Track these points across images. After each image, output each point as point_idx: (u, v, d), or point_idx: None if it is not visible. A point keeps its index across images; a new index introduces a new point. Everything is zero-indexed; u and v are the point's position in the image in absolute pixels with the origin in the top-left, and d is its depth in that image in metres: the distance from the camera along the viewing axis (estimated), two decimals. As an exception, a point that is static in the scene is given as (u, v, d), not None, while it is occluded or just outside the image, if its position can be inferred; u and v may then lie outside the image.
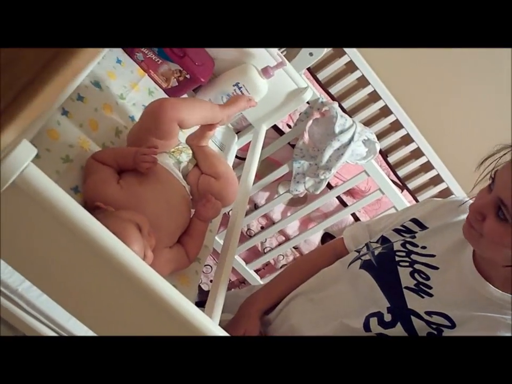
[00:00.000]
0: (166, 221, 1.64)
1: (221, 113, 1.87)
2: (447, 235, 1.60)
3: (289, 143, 2.74)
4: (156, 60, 2.08)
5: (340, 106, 3.47)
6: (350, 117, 2.44)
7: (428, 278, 1.54)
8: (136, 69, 2.11)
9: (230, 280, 2.82)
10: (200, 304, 1.94)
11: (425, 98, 3.59)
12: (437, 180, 3.76)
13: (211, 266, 3.24)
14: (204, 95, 2.28)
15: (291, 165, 2.60)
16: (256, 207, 3.01)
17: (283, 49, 2.98)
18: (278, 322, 1.81)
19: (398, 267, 1.59)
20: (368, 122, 3.75)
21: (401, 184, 3.75)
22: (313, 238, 3.12)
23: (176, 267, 1.71)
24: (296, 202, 3.03)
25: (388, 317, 1.51)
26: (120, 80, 2.00)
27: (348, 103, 3.75)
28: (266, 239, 3.14)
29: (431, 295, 1.50)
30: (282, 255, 3.18)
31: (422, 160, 3.74)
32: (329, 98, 3.57)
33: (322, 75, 3.67)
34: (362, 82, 3.65)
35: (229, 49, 2.20)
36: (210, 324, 1.14)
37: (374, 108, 3.70)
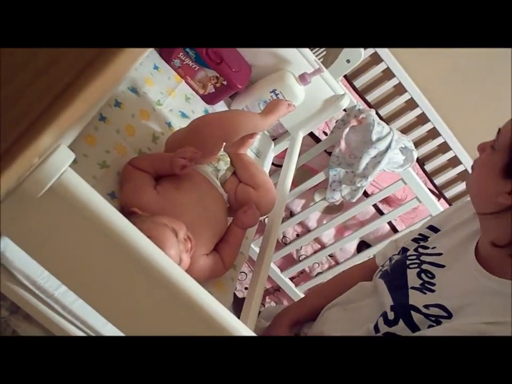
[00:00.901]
0: (203, 228, 1.63)
1: (262, 122, 1.86)
2: (456, 234, 1.62)
3: (325, 150, 2.73)
4: (193, 66, 2.08)
5: (377, 113, 3.44)
6: (387, 124, 2.42)
7: (433, 277, 1.55)
8: (173, 75, 2.11)
9: (265, 287, 2.82)
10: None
11: (463, 106, 3.55)
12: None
13: (246, 274, 3.23)
14: (240, 102, 2.28)
15: (327, 173, 2.58)
16: (291, 214, 3.00)
17: (320, 56, 2.97)
18: (312, 331, 1.81)
19: (408, 269, 1.62)
20: (405, 130, 3.71)
21: (438, 192, 3.71)
22: (349, 246, 3.10)
23: (212, 274, 1.71)
24: (332, 210, 3.01)
25: (391, 315, 1.53)
26: (157, 86, 2.01)
27: (384, 111, 3.72)
28: (301, 247, 3.12)
29: (433, 291, 1.51)
30: (318, 263, 3.16)
31: (460, 169, 3.70)
32: (365, 106, 3.55)
33: (359, 82, 3.66)
34: (399, 89, 3.62)
35: (266, 56, 2.20)
36: (244, 331, 1.13)
37: (411, 115, 3.67)
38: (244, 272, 3.21)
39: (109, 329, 1.38)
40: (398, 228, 3.01)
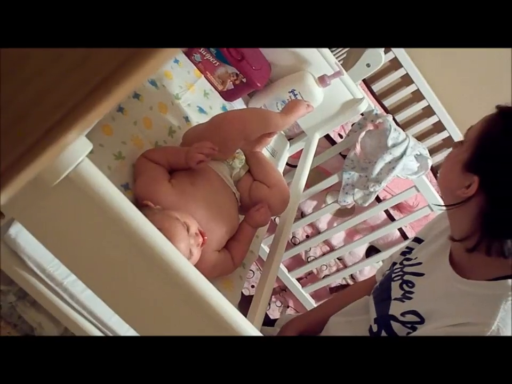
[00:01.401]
0: (215, 224, 1.63)
1: (282, 121, 1.85)
2: (435, 243, 1.65)
3: (340, 153, 2.72)
4: (213, 62, 2.08)
5: (393, 119, 3.43)
6: (403, 130, 2.41)
7: (413, 286, 1.59)
8: (193, 70, 2.11)
9: (272, 287, 2.81)
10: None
11: (481, 115, 3.53)
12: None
13: (253, 272, 3.23)
14: (259, 100, 2.28)
15: (341, 176, 2.57)
16: (302, 215, 2.99)
17: (341, 58, 2.96)
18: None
19: (392, 282, 1.66)
20: (420, 137, 3.70)
21: (451, 202, 3.69)
22: (358, 251, 3.09)
23: (222, 271, 1.71)
24: (344, 213, 3.00)
25: (375, 327, 1.58)
26: (177, 80, 2.01)
27: (401, 117, 3.71)
28: (310, 248, 3.11)
29: (410, 298, 1.55)
30: (326, 265, 3.16)
31: None
32: (382, 111, 3.54)
33: (377, 87, 3.64)
34: (417, 96, 3.61)
35: (286, 55, 2.20)
36: (250, 328, 1.13)
37: (428, 122, 3.66)
38: (251, 270, 3.21)
39: (115, 321, 1.38)
40: (408, 234, 3.00)
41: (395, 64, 3.52)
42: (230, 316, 1.09)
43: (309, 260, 3.12)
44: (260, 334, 1.18)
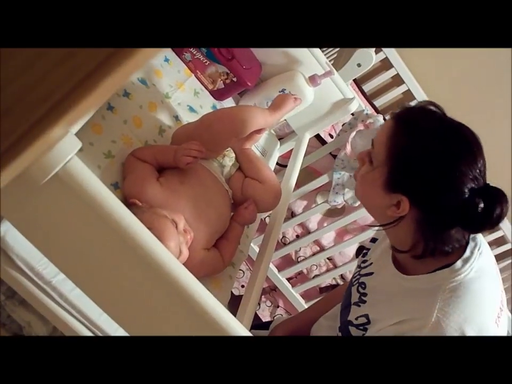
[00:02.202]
0: (204, 222, 1.62)
1: (271, 117, 1.85)
2: (385, 240, 1.67)
3: (330, 153, 2.72)
4: (204, 61, 2.07)
5: (384, 119, 3.43)
6: (394, 131, 2.41)
7: (365, 286, 1.61)
8: (183, 69, 2.10)
9: (261, 286, 2.81)
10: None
11: (473, 115, 3.52)
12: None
13: (243, 272, 3.22)
14: (249, 99, 2.27)
15: (331, 175, 2.58)
16: (293, 215, 2.99)
17: (331, 58, 2.96)
18: None
19: (352, 287, 1.68)
20: (411, 137, 3.69)
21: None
22: (348, 251, 3.10)
23: (211, 270, 1.70)
24: (334, 213, 3.01)
25: (339, 335, 1.62)
26: (167, 79, 2.00)
27: (391, 117, 3.70)
28: (300, 248, 3.11)
29: (365, 302, 1.57)
30: (316, 265, 3.16)
31: (498, 234, 3.65)
32: (373, 111, 3.54)
33: (368, 87, 3.64)
34: (408, 96, 3.60)
35: (277, 55, 2.19)
36: (239, 328, 1.13)
37: (419, 123, 3.66)
38: (241, 270, 3.21)
39: (104, 320, 1.38)
40: (399, 235, 3.00)
41: (386, 64, 3.52)
42: (219, 316, 1.09)
43: (299, 259, 3.12)
44: (249, 334, 1.17)
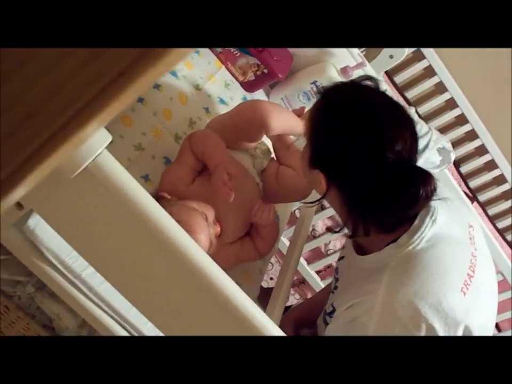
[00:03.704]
0: (234, 214, 1.61)
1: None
2: None
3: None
4: (234, 53, 2.06)
5: (416, 111, 3.40)
6: (426, 123, 2.38)
7: (338, 272, 1.60)
8: (213, 60, 2.09)
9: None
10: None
11: (504, 108, 3.48)
12: (509, 194, 3.64)
13: (272, 264, 3.21)
14: (280, 91, 2.26)
15: (361, 169, 2.55)
16: (323, 207, 2.97)
17: (363, 49, 2.93)
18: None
19: (335, 276, 1.65)
20: (442, 130, 3.65)
21: (472, 195, 3.66)
22: (378, 244, 3.08)
23: (242, 260, 1.69)
24: (364, 206, 2.98)
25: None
26: (197, 70, 1.99)
27: (423, 109, 3.66)
28: (330, 241, 3.10)
29: (337, 288, 1.55)
30: (346, 258, 3.14)
31: (496, 173, 3.63)
32: (405, 103, 3.50)
33: (400, 78, 3.60)
34: (440, 88, 3.55)
35: (309, 47, 2.17)
36: (268, 323, 1.11)
37: (451, 115, 3.60)
38: (270, 263, 3.20)
39: (134, 314, 1.38)
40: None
41: (418, 55, 3.48)
42: (249, 311, 1.08)
43: (328, 252, 3.11)
44: (279, 331, 1.16)
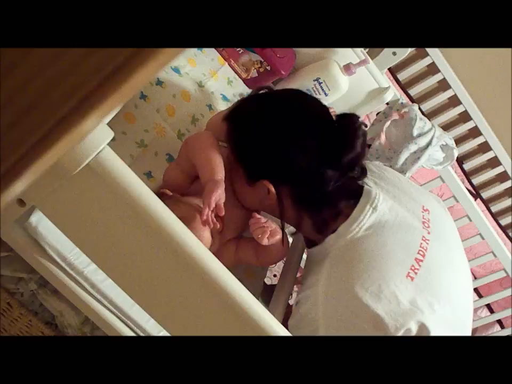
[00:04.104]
0: (234, 212, 1.61)
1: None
2: None
3: (365, 142, 2.69)
4: (238, 50, 2.06)
5: (419, 108, 3.40)
6: (429, 120, 2.37)
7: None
8: (216, 57, 2.08)
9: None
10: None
11: (507, 105, 3.48)
12: (512, 191, 3.64)
13: (275, 261, 3.21)
14: (283, 88, 2.25)
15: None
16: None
17: (366, 46, 2.93)
18: None
19: None
20: (446, 127, 3.65)
21: (475, 192, 3.65)
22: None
23: (241, 261, 1.67)
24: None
25: None
26: (200, 67, 1.99)
27: (427, 106, 3.66)
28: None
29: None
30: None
31: (499, 170, 3.63)
32: (408, 100, 3.49)
33: (403, 75, 3.60)
34: (443, 85, 3.55)
35: (312, 43, 2.17)
36: (271, 320, 1.12)
37: (454, 112, 3.60)
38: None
39: (136, 311, 1.38)
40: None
41: (421, 52, 3.48)
42: (252, 308, 1.08)
43: (331, 249, 3.10)
44: (283, 329, 1.16)
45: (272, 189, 1.40)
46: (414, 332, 1.27)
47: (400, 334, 1.25)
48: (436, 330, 1.29)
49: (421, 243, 1.38)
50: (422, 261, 1.34)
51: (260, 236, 1.45)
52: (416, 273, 1.32)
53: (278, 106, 1.45)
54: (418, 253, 1.35)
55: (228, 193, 1.56)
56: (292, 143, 1.37)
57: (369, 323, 1.26)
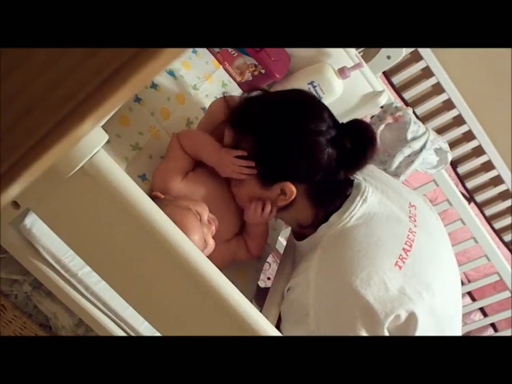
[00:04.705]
0: (227, 212, 1.62)
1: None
2: None
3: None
4: (232, 53, 2.06)
5: (413, 112, 3.40)
6: (423, 123, 2.38)
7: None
8: (211, 60, 2.09)
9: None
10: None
11: (501, 109, 3.49)
12: (506, 194, 3.65)
13: (269, 264, 3.21)
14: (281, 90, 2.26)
15: (359, 168, 2.55)
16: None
17: (360, 50, 2.94)
18: None
19: None
20: (440, 131, 3.65)
21: (469, 196, 3.66)
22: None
23: (236, 259, 1.69)
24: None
25: None
26: (195, 70, 1.99)
27: (421, 110, 3.67)
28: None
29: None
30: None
31: (493, 174, 3.64)
32: (402, 104, 3.50)
33: (397, 79, 3.60)
34: (437, 89, 3.56)
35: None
36: (265, 323, 1.12)
37: (448, 116, 3.61)
38: (267, 262, 3.19)
39: (130, 313, 1.38)
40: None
41: (416, 56, 3.48)
42: (246, 311, 1.08)
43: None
44: (276, 331, 1.16)
45: (294, 189, 1.42)
46: (402, 319, 1.30)
47: (389, 320, 1.28)
48: (425, 320, 1.32)
49: (408, 235, 1.42)
50: (409, 251, 1.38)
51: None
52: (404, 262, 1.35)
53: (296, 107, 1.46)
54: (405, 244, 1.39)
55: (224, 196, 1.57)
56: (317, 144, 1.40)
57: (359, 309, 1.29)
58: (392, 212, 1.46)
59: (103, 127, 0.95)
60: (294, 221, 1.56)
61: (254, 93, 1.54)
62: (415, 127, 2.29)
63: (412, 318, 1.30)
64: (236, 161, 1.48)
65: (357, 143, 1.43)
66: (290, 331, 1.41)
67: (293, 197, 1.43)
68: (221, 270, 1.09)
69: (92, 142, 0.90)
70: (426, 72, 3.52)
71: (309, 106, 1.47)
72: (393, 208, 1.47)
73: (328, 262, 1.35)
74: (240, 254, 1.69)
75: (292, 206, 1.47)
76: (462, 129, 3.59)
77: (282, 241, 2.84)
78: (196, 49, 2.03)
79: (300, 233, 1.56)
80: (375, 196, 1.47)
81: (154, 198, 1.49)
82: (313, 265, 1.35)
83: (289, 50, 2.19)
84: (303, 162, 1.41)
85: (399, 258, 1.35)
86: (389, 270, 1.32)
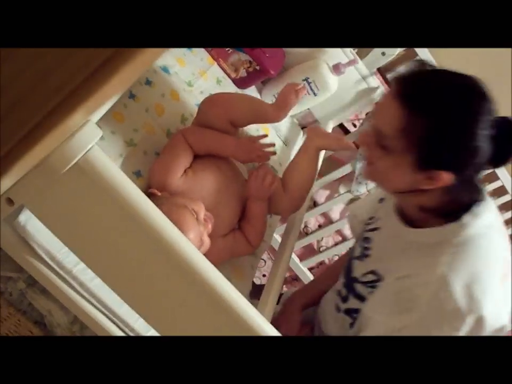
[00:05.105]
0: (223, 209, 1.62)
1: (273, 113, 1.79)
2: (389, 200, 1.66)
3: (354, 142, 2.70)
4: (227, 49, 2.06)
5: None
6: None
7: (370, 241, 1.61)
8: (206, 57, 2.09)
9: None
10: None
11: (502, 110, 3.47)
12: (509, 205, 3.61)
13: (265, 261, 3.21)
14: (272, 88, 2.25)
15: (354, 165, 2.56)
16: (315, 204, 2.97)
17: (355, 46, 2.94)
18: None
19: (356, 244, 1.70)
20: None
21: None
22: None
23: (235, 253, 1.71)
24: (357, 203, 2.99)
25: (343, 292, 1.60)
26: (189, 67, 1.99)
27: (416, 106, 3.66)
28: (322, 238, 3.11)
29: (368, 256, 1.57)
30: (338, 255, 3.14)
31: (497, 184, 3.59)
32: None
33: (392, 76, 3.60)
34: (433, 85, 3.56)
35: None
36: (260, 319, 1.12)
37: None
38: (263, 259, 3.20)
39: (125, 310, 1.38)
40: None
41: (411, 53, 3.48)
42: (241, 308, 1.08)
43: (321, 249, 3.12)
44: (272, 328, 1.16)
45: (446, 179, 1.34)
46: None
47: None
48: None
49: (508, 254, 1.42)
50: (509, 270, 1.39)
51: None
52: (506, 280, 1.37)
53: (480, 98, 1.42)
54: (509, 263, 1.40)
55: (221, 192, 1.57)
56: (486, 139, 1.34)
57: (470, 319, 1.29)
58: (500, 225, 1.46)
59: (97, 123, 0.94)
60: (416, 205, 1.48)
61: (429, 73, 1.54)
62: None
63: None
64: (260, 145, 1.50)
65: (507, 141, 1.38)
66: (382, 319, 1.41)
67: (439, 185, 1.37)
68: (216, 267, 1.09)
69: (85, 138, 0.89)
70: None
71: (489, 98, 1.43)
72: (500, 222, 1.48)
73: (459, 267, 1.32)
74: (240, 247, 1.71)
75: (427, 191, 1.40)
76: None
77: (277, 238, 2.84)
78: (191, 45, 2.03)
79: (412, 217, 1.51)
80: (493, 207, 1.46)
81: (151, 195, 1.49)
82: (441, 265, 1.33)
83: (284, 46, 2.19)
84: (470, 155, 1.34)
85: (504, 275, 1.36)
86: (498, 287, 1.34)
